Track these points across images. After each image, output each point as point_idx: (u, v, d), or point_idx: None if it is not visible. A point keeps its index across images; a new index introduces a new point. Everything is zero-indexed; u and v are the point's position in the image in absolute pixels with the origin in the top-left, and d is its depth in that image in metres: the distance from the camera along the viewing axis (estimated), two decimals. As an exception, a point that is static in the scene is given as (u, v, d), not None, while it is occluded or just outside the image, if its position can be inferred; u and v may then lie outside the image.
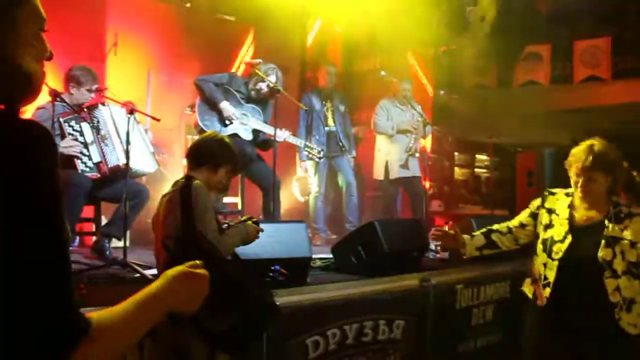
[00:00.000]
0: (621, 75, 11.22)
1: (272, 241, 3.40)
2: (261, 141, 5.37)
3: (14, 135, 0.99)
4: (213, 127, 5.03)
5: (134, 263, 3.79)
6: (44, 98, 4.16)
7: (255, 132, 5.29)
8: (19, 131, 1.01)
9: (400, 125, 6.71)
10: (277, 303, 2.95)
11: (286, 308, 3.26)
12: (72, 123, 4.41)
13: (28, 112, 4.33)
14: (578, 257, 2.90)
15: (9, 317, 0.94)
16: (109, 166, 4.41)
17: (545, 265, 3.01)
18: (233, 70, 7.69)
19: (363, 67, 9.17)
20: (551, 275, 2.96)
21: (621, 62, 11.28)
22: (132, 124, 4.05)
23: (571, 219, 2.98)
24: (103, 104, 4.54)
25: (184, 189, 2.78)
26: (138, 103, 4.99)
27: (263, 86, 5.25)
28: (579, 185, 2.88)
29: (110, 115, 4.53)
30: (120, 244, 4.12)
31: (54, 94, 4.10)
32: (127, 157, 4.03)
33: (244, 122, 5.22)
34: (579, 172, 2.87)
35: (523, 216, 3.21)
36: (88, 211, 4.70)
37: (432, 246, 5.01)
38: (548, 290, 2.97)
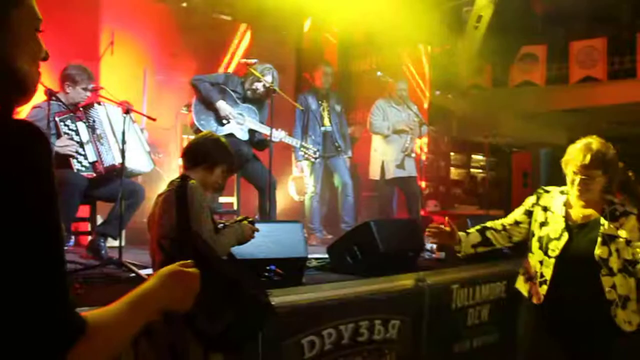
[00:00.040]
0: (617, 75, 11.25)
1: (267, 241, 3.41)
2: (257, 141, 5.37)
3: (8, 135, 0.99)
4: (209, 127, 5.02)
5: (129, 263, 3.78)
6: (39, 97, 4.14)
7: (251, 132, 5.29)
8: (13, 132, 1.01)
9: (396, 126, 6.71)
10: (273, 303, 2.94)
11: (282, 308, 3.25)
12: (68, 122, 4.40)
13: (23, 111, 4.32)
14: (575, 255, 2.92)
15: (4, 317, 0.94)
16: (105, 165, 4.40)
17: (541, 262, 3.02)
18: (222, 66, 7.68)
19: (359, 67, 9.17)
20: (548, 273, 2.98)
21: (617, 62, 11.31)
22: (128, 123, 4.05)
23: (567, 216, 2.99)
24: (99, 103, 4.53)
25: (179, 188, 2.77)
26: (134, 102, 4.98)
27: (259, 86, 5.24)
28: (577, 183, 2.89)
29: (106, 114, 4.52)
30: (116, 243, 4.11)
31: (50, 93, 4.10)
32: (123, 157, 4.02)
33: (240, 122, 5.22)
34: (576, 170, 2.88)
35: (517, 214, 3.22)
36: (84, 210, 4.69)
37: (428, 246, 5.02)
38: (545, 288, 2.99)
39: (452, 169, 13.69)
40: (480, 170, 15.37)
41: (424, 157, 8.17)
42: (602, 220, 2.91)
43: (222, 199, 5.77)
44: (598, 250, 2.86)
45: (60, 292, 1.00)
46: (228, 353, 2.69)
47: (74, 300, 1.03)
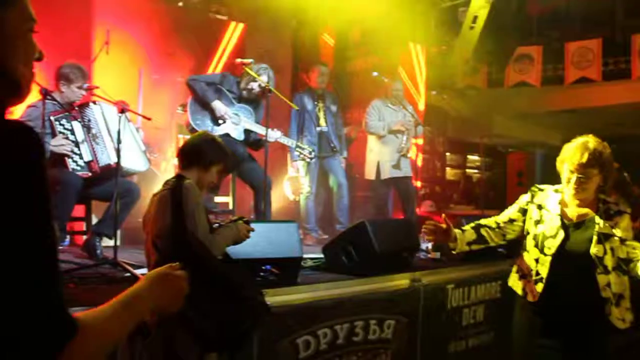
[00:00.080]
0: (611, 76, 11.30)
1: (263, 241, 3.41)
2: (253, 141, 5.36)
3: (0, 136, 0.99)
4: (205, 127, 5.02)
5: (124, 262, 3.78)
6: (34, 96, 4.13)
7: (247, 132, 5.28)
8: (5, 132, 1.00)
9: (391, 126, 6.72)
10: (268, 303, 2.94)
11: (277, 308, 3.26)
12: (63, 121, 4.38)
13: (18, 110, 4.31)
14: (571, 253, 2.94)
15: None
16: (100, 165, 4.39)
17: (537, 260, 3.03)
18: (212, 64, 7.68)
19: (355, 67, 9.18)
20: (544, 271, 2.99)
21: (611, 63, 11.35)
22: (124, 122, 4.04)
23: (562, 215, 3.00)
24: (94, 103, 4.52)
25: (174, 188, 2.78)
26: (129, 102, 4.97)
27: (255, 86, 5.24)
28: (573, 181, 2.90)
29: (101, 113, 4.51)
30: (111, 243, 4.10)
31: (45, 92, 4.08)
32: (118, 156, 4.01)
33: (236, 122, 5.21)
34: (573, 169, 2.89)
35: (511, 212, 3.22)
36: (79, 210, 4.68)
37: (423, 246, 5.03)
38: (541, 286, 3.00)
39: (448, 169, 13.73)
40: (475, 171, 15.42)
41: (418, 159, 8.19)
42: (597, 219, 2.93)
43: (218, 199, 5.77)
44: (594, 249, 2.88)
45: (52, 292, 1.00)
46: (223, 352, 2.69)
47: (67, 301, 1.04)
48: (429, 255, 5.02)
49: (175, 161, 4.99)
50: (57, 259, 1.03)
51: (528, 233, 3.12)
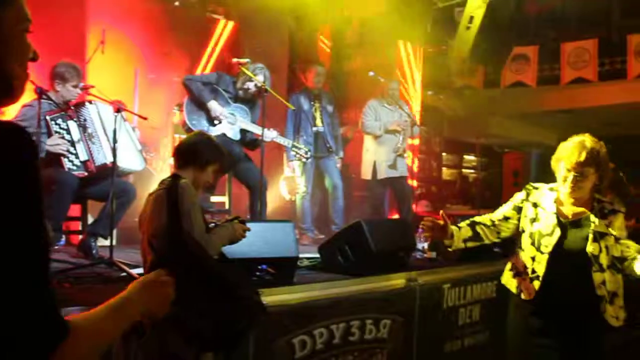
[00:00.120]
0: (607, 77, 11.32)
1: (259, 240, 3.40)
2: (249, 141, 5.36)
3: None
4: (201, 127, 5.01)
5: (120, 262, 3.77)
6: (29, 96, 4.12)
7: (243, 131, 5.28)
8: None
9: (388, 126, 6.72)
10: (264, 302, 2.94)
11: (273, 307, 3.26)
12: (59, 121, 4.37)
13: (13, 110, 4.30)
14: (567, 251, 2.96)
15: None
16: (96, 164, 4.38)
17: (533, 258, 3.04)
18: (202, 63, 7.67)
19: (351, 67, 9.18)
20: (540, 269, 3.00)
21: (607, 64, 11.38)
22: (119, 122, 4.03)
23: (558, 213, 3.01)
24: (90, 102, 4.51)
25: (170, 187, 2.77)
26: (125, 101, 4.96)
27: (251, 85, 5.23)
28: (570, 180, 2.91)
29: (97, 113, 4.50)
30: (108, 242, 4.10)
31: (40, 92, 4.07)
32: (114, 155, 4.00)
33: (232, 122, 5.21)
34: (570, 168, 2.90)
35: (506, 209, 3.23)
36: (75, 209, 4.67)
37: (419, 246, 5.03)
38: (537, 284, 3.01)
39: (444, 169, 13.74)
40: (471, 171, 15.44)
41: (414, 165, 8.19)
42: (593, 218, 2.95)
43: (214, 199, 5.76)
44: (590, 247, 2.90)
45: (44, 293, 1.00)
46: (219, 352, 2.69)
47: (58, 302, 1.04)
48: (425, 255, 5.02)
49: (171, 161, 4.98)
50: (49, 260, 1.03)
51: (523, 231, 3.13)
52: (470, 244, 3.21)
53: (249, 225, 3.11)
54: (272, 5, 6.86)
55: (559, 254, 2.96)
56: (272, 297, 3.30)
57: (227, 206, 5.69)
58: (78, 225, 4.86)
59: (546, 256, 2.98)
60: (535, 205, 3.09)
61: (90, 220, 4.67)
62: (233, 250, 3.05)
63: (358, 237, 4.04)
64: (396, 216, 7.05)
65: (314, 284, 3.74)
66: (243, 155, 5.33)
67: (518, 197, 3.20)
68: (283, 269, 3.57)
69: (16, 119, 4.16)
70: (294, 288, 3.56)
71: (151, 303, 1.31)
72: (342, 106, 8.16)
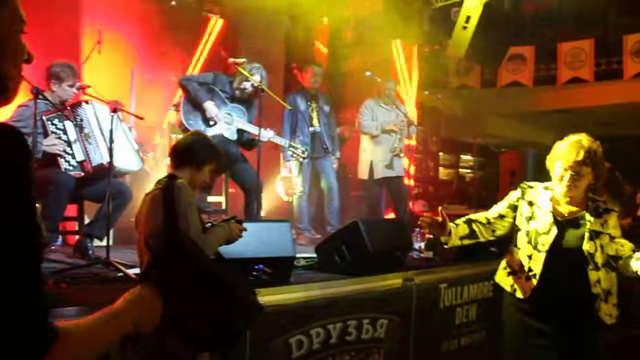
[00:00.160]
0: (604, 76, 11.33)
1: (255, 240, 3.40)
2: (245, 140, 5.35)
3: None
4: (197, 127, 5.01)
5: (116, 262, 3.77)
6: (25, 96, 4.11)
7: (240, 131, 5.28)
8: None
9: (384, 125, 6.72)
10: (261, 302, 2.94)
11: (270, 307, 3.26)
12: (55, 121, 4.36)
13: (9, 110, 4.29)
14: (564, 249, 2.97)
15: None
16: (93, 165, 4.37)
17: (530, 257, 3.05)
18: (194, 59, 7.65)
19: (348, 67, 9.18)
20: (537, 267, 3.01)
21: (604, 64, 11.39)
22: (116, 122, 4.02)
23: (554, 212, 3.02)
24: (86, 102, 4.50)
25: (167, 187, 2.77)
26: (122, 101, 4.96)
27: (247, 85, 5.23)
28: (566, 179, 2.92)
29: (93, 113, 4.49)
30: (104, 242, 4.09)
31: (36, 92, 4.05)
32: (111, 156, 4.00)
33: (229, 122, 5.21)
34: (567, 167, 2.90)
35: (501, 208, 3.23)
36: (71, 210, 4.66)
37: (416, 246, 5.03)
38: (534, 282, 3.01)
39: (441, 169, 13.73)
40: (468, 170, 15.45)
41: (411, 168, 8.19)
42: (588, 217, 2.96)
43: (211, 199, 5.76)
44: (586, 245, 2.93)
45: (34, 300, 0.99)
46: (215, 352, 2.68)
47: (49, 307, 1.03)
48: (422, 255, 5.03)
49: (168, 160, 4.99)
50: (40, 263, 1.02)
51: (519, 229, 3.14)
52: (466, 242, 3.22)
53: (245, 225, 3.11)
54: (268, 5, 6.86)
55: (556, 252, 2.97)
56: (269, 297, 3.30)
57: (223, 206, 5.69)
58: (74, 226, 4.85)
59: (543, 254, 2.99)
60: (530, 203, 3.10)
61: (86, 220, 4.66)
62: (230, 250, 3.05)
63: (355, 237, 4.04)
64: (392, 216, 7.05)
65: (311, 283, 3.74)
66: (240, 155, 5.32)
67: (513, 196, 3.21)
68: (280, 269, 3.57)
69: (12, 119, 4.15)
70: (290, 288, 3.56)
71: (140, 316, 1.30)
72: (339, 106, 8.16)
